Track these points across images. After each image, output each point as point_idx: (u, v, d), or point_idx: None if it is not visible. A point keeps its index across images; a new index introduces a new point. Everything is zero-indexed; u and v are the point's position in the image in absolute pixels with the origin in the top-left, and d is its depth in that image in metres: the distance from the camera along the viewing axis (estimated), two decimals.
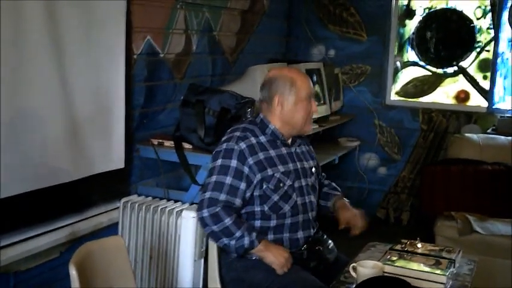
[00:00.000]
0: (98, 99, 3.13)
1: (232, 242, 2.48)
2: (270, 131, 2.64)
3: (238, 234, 2.47)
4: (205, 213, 2.49)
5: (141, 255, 3.26)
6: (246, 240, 2.47)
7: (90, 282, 2.05)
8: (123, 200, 3.33)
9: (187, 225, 3.12)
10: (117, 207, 3.33)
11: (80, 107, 2.98)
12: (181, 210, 3.18)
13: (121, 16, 3.24)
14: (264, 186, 2.55)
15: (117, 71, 3.25)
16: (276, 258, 2.48)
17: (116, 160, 3.31)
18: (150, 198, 3.38)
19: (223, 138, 2.63)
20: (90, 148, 3.10)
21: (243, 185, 2.52)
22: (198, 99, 3.51)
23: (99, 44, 3.08)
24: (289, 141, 2.70)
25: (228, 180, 2.51)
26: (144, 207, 3.25)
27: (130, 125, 3.45)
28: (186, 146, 3.52)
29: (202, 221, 2.52)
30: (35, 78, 2.69)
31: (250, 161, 2.54)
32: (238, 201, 2.51)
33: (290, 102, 2.62)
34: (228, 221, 2.46)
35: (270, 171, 2.56)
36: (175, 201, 3.36)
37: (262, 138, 2.62)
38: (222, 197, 2.49)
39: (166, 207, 3.24)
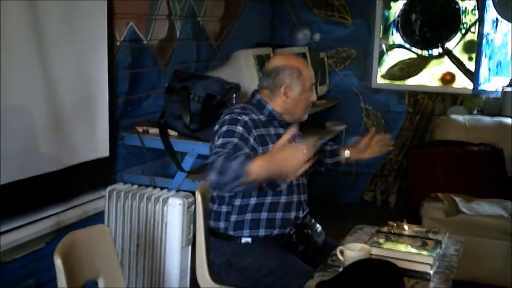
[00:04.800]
0: (81, 88, 3.10)
1: (229, 176, 2.19)
2: (268, 111, 2.62)
3: (230, 163, 2.20)
4: (208, 163, 2.32)
5: (128, 244, 3.24)
6: (235, 166, 2.18)
7: (76, 272, 2.03)
8: (109, 188, 3.30)
9: (173, 212, 3.11)
10: (103, 196, 3.31)
11: (63, 96, 2.95)
12: (167, 198, 3.15)
13: (103, 3, 3.20)
14: None
15: (100, 58, 3.22)
16: (288, 160, 2.14)
17: (101, 148, 3.29)
18: (135, 186, 3.36)
19: (222, 116, 2.55)
20: (75, 137, 3.07)
21: (246, 150, 2.40)
22: (182, 86, 3.48)
23: (81, 32, 3.05)
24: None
25: (235, 140, 2.41)
26: (130, 195, 3.23)
27: (115, 113, 3.43)
28: (172, 133, 3.50)
29: (208, 178, 2.30)
30: (16, 68, 2.65)
31: (255, 132, 2.51)
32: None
33: (296, 93, 2.60)
34: (221, 160, 2.24)
35: (271, 147, 2.53)
36: (162, 188, 3.33)
37: (262, 117, 2.60)
38: (226, 150, 2.33)
39: (152, 194, 3.21)
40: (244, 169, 2.17)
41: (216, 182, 2.26)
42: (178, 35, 4.04)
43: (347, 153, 2.87)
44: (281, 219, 2.59)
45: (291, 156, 2.13)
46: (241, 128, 2.47)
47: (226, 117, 2.53)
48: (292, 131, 2.26)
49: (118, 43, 3.43)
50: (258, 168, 2.17)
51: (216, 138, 2.48)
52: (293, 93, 2.60)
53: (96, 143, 3.24)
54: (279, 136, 2.58)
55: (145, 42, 3.70)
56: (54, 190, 3.00)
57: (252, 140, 2.47)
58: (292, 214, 2.62)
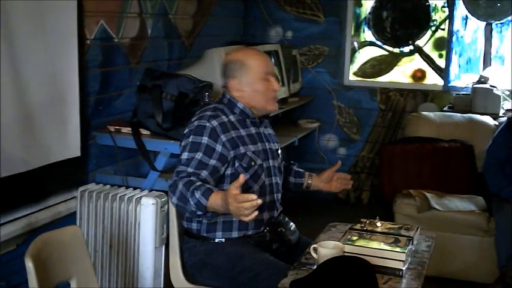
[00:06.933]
0: (51, 87, 3.06)
1: (189, 207, 2.34)
2: (239, 110, 2.62)
3: (188, 195, 2.33)
4: (168, 185, 2.45)
5: (100, 244, 3.21)
6: (193, 200, 2.31)
7: (48, 274, 2.00)
8: (81, 188, 3.26)
9: (146, 212, 3.08)
10: (75, 197, 3.27)
11: (33, 96, 2.92)
12: (140, 197, 3.13)
13: (72, 0, 3.16)
14: (236, 164, 2.53)
15: (70, 57, 3.19)
16: (236, 213, 2.22)
17: (72, 148, 3.25)
18: (108, 186, 3.32)
19: (193, 118, 2.59)
20: (45, 137, 3.04)
21: (212, 162, 2.46)
22: (154, 84, 3.46)
23: (50, 30, 3.01)
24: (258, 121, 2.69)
25: (198, 155, 2.45)
26: (102, 195, 3.20)
27: (86, 112, 3.39)
28: (144, 132, 3.48)
29: (170, 198, 2.44)
30: None
31: (224, 138, 2.51)
32: (204, 173, 2.44)
33: (245, 84, 2.60)
34: (181, 186, 2.36)
35: (242, 149, 2.54)
36: (134, 188, 3.30)
37: (232, 118, 2.60)
38: (189, 170, 2.43)
39: (125, 194, 3.18)
40: (203, 206, 2.31)
41: (177, 205, 2.45)
42: (149, 33, 4.01)
43: (310, 180, 2.89)
44: (254, 220, 2.58)
45: (236, 212, 2.21)
46: (206, 138, 2.49)
47: (196, 122, 2.54)
48: (240, 181, 2.19)
49: (88, 41, 3.39)
50: (214, 208, 2.31)
51: (183, 146, 2.53)
52: (242, 85, 2.60)
53: (67, 143, 3.20)
54: (250, 136, 2.60)
55: (116, 40, 3.67)
56: (25, 191, 2.96)
57: (220, 147, 2.49)
58: (266, 215, 2.62)
